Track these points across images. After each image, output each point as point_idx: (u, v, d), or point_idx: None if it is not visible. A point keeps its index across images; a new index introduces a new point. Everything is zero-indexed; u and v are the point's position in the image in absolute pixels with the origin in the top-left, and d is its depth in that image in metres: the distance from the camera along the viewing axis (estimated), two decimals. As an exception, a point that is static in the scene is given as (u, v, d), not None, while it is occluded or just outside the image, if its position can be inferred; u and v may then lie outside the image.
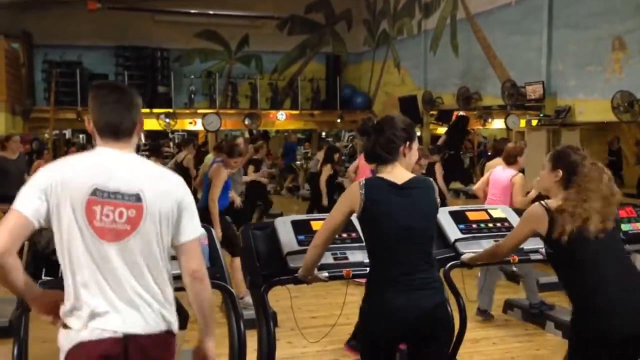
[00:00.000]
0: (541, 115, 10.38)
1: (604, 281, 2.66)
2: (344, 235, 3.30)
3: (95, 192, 2.05)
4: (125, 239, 2.07)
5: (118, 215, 2.07)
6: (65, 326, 2.09)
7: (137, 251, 2.09)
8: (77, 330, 2.05)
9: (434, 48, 14.47)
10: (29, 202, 2.03)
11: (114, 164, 2.12)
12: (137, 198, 2.09)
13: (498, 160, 6.46)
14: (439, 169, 8.27)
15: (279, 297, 3.94)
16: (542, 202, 2.82)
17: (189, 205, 2.22)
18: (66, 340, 2.08)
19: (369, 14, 17.85)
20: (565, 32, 10.13)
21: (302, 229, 3.32)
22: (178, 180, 2.24)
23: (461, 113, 14.04)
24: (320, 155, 11.11)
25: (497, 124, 15.30)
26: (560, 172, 2.82)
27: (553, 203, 2.78)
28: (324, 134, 19.84)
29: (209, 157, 8.66)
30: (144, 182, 2.12)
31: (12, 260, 2.00)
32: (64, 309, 2.10)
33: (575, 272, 2.72)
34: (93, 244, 2.05)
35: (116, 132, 2.16)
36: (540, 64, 10.59)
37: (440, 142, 12.61)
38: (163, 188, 2.16)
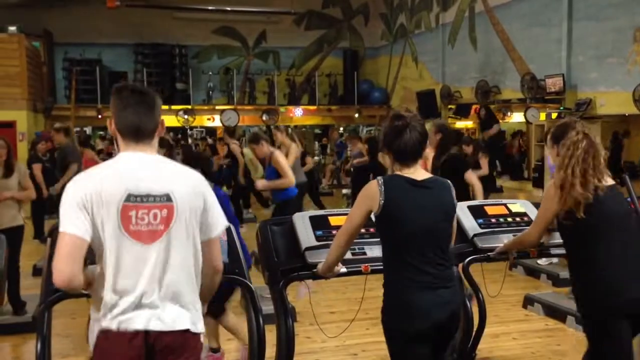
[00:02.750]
0: (561, 108, 10.29)
1: (616, 255, 2.74)
2: (362, 230, 3.28)
3: (129, 197, 2.11)
4: (160, 239, 2.14)
5: (152, 217, 2.13)
6: (98, 319, 2.15)
7: (171, 249, 2.15)
8: (106, 324, 2.12)
9: (452, 42, 14.38)
10: (76, 221, 2.07)
11: (141, 168, 2.17)
12: (168, 198, 2.15)
13: None
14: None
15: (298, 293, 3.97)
16: None
17: (213, 200, 2.29)
18: (97, 329, 2.16)
19: (386, 8, 17.77)
20: (585, 23, 10.02)
21: (320, 224, 3.32)
22: (200, 178, 2.30)
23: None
24: (361, 147, 10.30)
25: (517, 117, 15.18)
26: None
27: None
28: (341, 129, 19.80)
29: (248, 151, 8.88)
30: (172, 182, 2.18)
31: (81, 279, 2.08)
32: (98, 304, 2.16)
33: (592, 245, 2.77)
34: (131, 247, 2.11)
35: (138, 134, 2.20)
36: (560, 56, 10.49)
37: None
38: (189, 186, 2.22)
